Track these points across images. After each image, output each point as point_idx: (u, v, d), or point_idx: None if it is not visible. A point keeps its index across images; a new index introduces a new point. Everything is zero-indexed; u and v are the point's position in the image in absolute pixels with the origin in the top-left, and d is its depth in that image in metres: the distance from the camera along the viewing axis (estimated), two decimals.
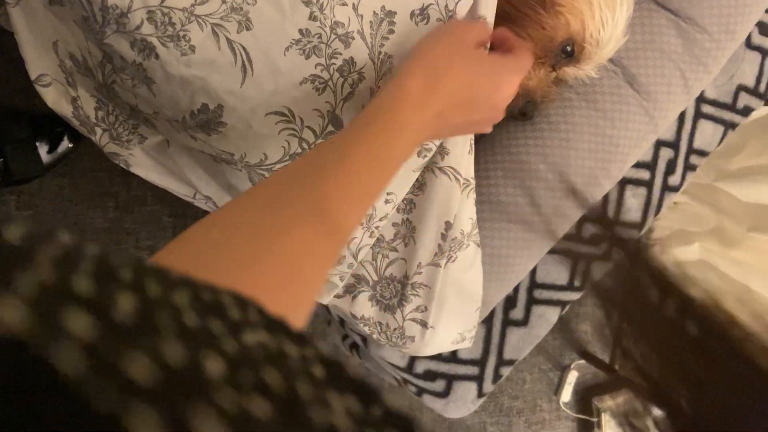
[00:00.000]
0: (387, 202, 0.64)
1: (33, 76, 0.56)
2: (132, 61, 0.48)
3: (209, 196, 0.62)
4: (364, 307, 0.70)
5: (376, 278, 0.69)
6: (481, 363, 0.92)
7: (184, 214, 1.31)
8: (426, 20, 0.55)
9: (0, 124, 1.10)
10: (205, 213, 1.34)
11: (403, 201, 0.67)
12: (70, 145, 1.18)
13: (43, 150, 1.16)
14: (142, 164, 0.63)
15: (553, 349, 1.59)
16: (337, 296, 0.71)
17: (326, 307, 0.89)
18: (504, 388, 1.55)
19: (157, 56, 0.48)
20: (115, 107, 0.58)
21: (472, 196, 0.69)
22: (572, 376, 1.57)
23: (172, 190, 0.66)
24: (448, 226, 0.67)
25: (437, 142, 0.63)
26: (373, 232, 0.66)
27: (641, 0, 0.75)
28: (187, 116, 0.51)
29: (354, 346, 1.03)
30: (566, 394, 1.56)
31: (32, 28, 0.54)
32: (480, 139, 0.78)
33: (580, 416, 1.58)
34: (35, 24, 0.54)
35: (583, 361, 1.57)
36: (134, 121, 0.59)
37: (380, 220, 0.65)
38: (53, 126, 1.17)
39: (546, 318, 0.94)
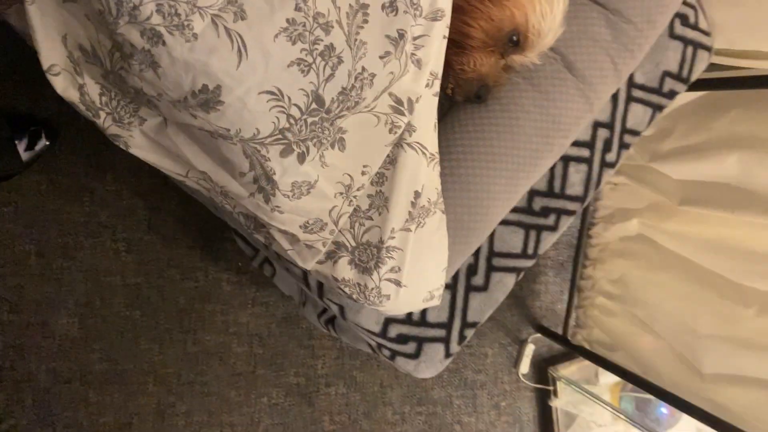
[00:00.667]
0: (363, 173, 0.73)
1: (45, 66, 0.62)
2: (141, 48, 0.56)
3: (204, 171, 0.69)
4: (344, 271, 0.78)
5: (354, 244, 0.78)
6: (447, 326, 1.02)
7: (159, 208, 1.37)
8: (395, 12, 0.64)
9: None
10: (185, 202, 1.37)
11: (376, 174, 0.76)
12: (47, 143, 1.23)
13: (21, 148, 1.20)
14: (141, 145, 0.70)
15: (511, 325, 1.71)
16: (319, 262, 0.79)
17: (303, 286, 0.97)
18: (467, 362, 1.65)
19: (164, 43, 0.55)
20: (118, 92, 0.65)
21: (437, 168, 0.78)
22: (529, 349, 1.68)
23: (165, 170, 0.73)
24: (417, 195, 0.76)
25: (405, 120, 0.72)
26: (351, 200, 0.74)
27: (579, 5, 0.85)
28: (189, 96, 0.59)
29: (330, 321, 1.11)
30: (524, 366, 1.68)
31: (44, 23, 0.61)
32: (441, 119, 0.88)
33: (537, 386, 1.70)
34: (47, 20, 0.61)
35: (539, 335, 1.69)
36: (135, 105, 0.66)
37: (357, 190, 0.74)
38: (31, 124, 1.21)
39: (504, 283, 1.04)
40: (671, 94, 1.11)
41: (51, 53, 0.62)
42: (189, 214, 1.38)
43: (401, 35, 0.66)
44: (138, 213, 1.35)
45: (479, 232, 0.86)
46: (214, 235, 1.41)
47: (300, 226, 0.73)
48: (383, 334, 0.98)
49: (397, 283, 0.78)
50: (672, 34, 1.05)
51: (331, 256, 0.79)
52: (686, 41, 1.08)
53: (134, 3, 0.53)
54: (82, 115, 0.67)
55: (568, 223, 1.08)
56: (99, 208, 1.32)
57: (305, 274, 0.94)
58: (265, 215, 0.71)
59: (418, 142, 0.74)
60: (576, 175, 1.06)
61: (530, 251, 1.05)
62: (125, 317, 1.36)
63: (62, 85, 0.64)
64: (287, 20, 0.58)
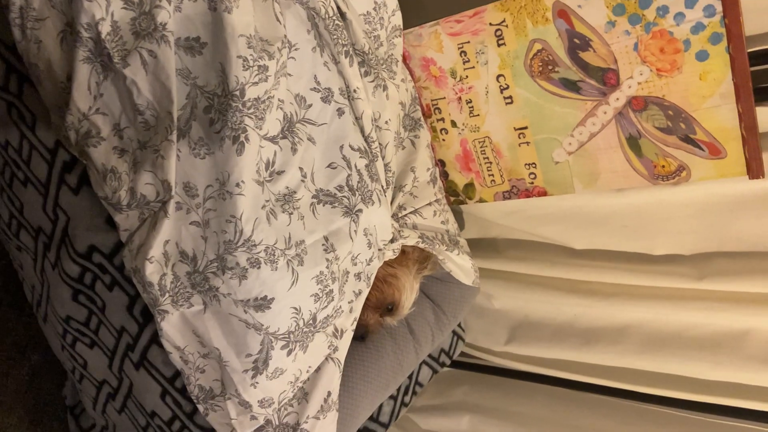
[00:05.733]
0: (307, 372, 1.09)
1: (148, 255, 0.92)
2: (242, 266, 0.92)
3: (217, 348, 0.98)
4: None
5: (277, 423, 1.09)
6: None
7: (7, 374, 1.42)
8: (359, 290, 1.11)
9: None
10: (32, 374, 1.45)
11: None
12: None
13: None
14: (172, 322, 0.97)
15: None
16: None
17: None
18: None
19: (259, 267, 0.92)
20: (187, 284, 0.95)
21: (340, 378, 1.18)
22: None
23: (169, 340, 1.00)
24: (329, 395, 1.14)
25: (337, 343, 1.13)
26: (294, 389, 1.08)
27: (420, 297, 1.41)
28: (251, 300, 0.94)
29: None
30: None
31: (164, 233, 0.92)
32: None
33: None
34: (166, 230, 0.93)
35: None
36: (190, 293, 0.96)
37: (300, 382, 1.09)
38: None
39: None
40: (442, 364, 1.70)
41: (155, 250, 0.93)
42: (32, 388, 1.44)
43: (357, 294, 1.12)
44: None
45: (352, 429, 1.24)
46: (47, 413, 1.47)
47: (258, 401, 1.04)
48: None
49: None
50: None
51: (260, 429, 1.08)
52: (455, 333, 1.71)
53: (254, 241, 0.91)
54: (144, 295, 0.95)
55: None
56: None
57: None
58: (243, 388, 1.01)
59: (338, 359, 1.15)
60: (386, 407, 1.51)
61: None
62: None
63: (150, 270, 0.93)
64: (320, 272, 1.00)
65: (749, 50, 1.04)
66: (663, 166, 1.19)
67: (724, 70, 1.05)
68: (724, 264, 1.26)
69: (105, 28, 0.85)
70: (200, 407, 1.07)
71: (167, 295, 0.95)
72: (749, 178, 1.11)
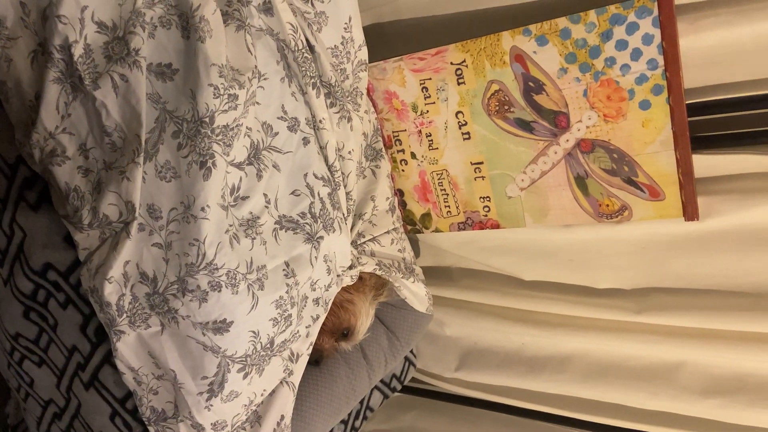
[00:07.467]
0: (261, 395, 1.10)
1: (107, 275, 0.92)
2: (203, 289, 0.93)
3: (173, 370, 0.98)
4: None
5: None
6: None
7: None
8: (317, 314, 1.13)
9: None
10: None
11: None
12: None
13: None
14: (128, 342, 0.97)
15: None
16: None
17: None
18: None
19: (219, 291, 0.94)
20: (145, 305, 0.95)
21: (294, 401, 1.19)
22: None
23: (123, 360, 1.00)
24: (282, 418, 1.15)
25: (293, 366, 1.15)
26: (248, 413, 1.09)
27: (375, 323, 1.44)
28: (210, 322, 0.95)
29: None
30: None
31: (125, 253, 0.93)
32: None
33: None
34: (126, 250, 0.93)
35: None
36: (147, 315, 0.96)
37: (255, 405, 1.10)
38: None
39: None
40: (393, 389, 1.72)
41: (115, 270, 0.93)
42: None
43: (315, 318, 1.14)
44: None
45: None
46: None
47: (211, 424, 1.04)
48: None
49: None
50: None
51: None
52: (406, 359, 1.74)
53: (216, 265, 0.93)
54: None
55: None
56: None
57: None
58: (197, 410, 1.01)
59: (293, 383, 1.16)
60: (336, 431, 1.52)
61: None
62: None
63: (109, 290, 0.93)
64: (280, 297, 1.02)
65: (688, 102, 1.13)
66: (607, 205, 1.26)
67: (664, 120, 1.14)
68: (661, 299, 1.33)
69: (78, 51, 0.87)
70: (151, 429, 1.06)
71: (125, 315, 0.95)
72: (685, 220, 1.19)
